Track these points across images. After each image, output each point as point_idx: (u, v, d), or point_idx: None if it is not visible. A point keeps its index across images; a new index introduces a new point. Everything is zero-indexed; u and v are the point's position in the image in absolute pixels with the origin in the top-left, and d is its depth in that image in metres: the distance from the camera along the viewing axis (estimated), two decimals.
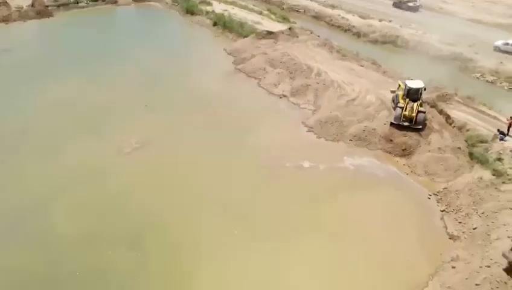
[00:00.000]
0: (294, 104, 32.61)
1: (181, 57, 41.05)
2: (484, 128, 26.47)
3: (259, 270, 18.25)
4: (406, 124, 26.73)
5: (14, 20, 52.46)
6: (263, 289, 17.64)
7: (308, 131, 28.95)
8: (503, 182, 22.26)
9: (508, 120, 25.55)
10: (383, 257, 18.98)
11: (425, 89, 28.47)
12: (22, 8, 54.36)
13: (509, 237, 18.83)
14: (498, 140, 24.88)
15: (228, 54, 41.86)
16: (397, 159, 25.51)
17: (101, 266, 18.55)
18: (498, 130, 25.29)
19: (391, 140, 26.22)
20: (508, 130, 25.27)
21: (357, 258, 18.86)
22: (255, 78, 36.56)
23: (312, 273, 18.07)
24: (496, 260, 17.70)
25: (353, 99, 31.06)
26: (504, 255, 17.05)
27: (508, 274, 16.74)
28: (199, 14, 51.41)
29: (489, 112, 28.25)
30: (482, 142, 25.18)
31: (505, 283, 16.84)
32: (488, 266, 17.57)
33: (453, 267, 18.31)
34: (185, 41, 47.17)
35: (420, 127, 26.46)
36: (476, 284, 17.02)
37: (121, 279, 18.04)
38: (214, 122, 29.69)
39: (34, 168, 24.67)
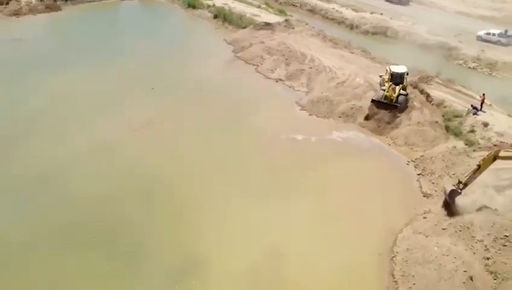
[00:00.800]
0: (289, 86, 35.36)
1: (184, 47, 43.79)
2: (460, 105, 29.24)
3: (256, 221, 20.85)
4: (385, 101, 29.23)
5: (25, 14, 54.99)
6: (259, 236, 20.22)
7: (301, 110, 31.69)
8: (474, 150, 24.99)
9: (480, 97, 28.32)
10: (364, 210, 21.66)
11: (407, 74, 30.88)
12: (31, 2, 57.08)
13: (473, 193, 21.58)
14: (471, 114, 27.60)
15: (228, 43, 44.58)
16: (379, 131, 28.21)
17: (118, 217, 21.19)
18: (471, 105, 28.04)
19: (374, 115, 28.88)
20: (481, 105, 28.02)
21: (341, 211, 21.52)
22: (253, 64, 39.28)
23: (302, 223, 20.72)
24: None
25: (343, 82, 33.78)
26: (444, 190, 20.23)
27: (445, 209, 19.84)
28: (200, 8, 54.13)
29: (466, 91, 31.00)
30: (457, 116, 27.95)
31: (468, 227, 19.54)
32: (454, 215, 20.30)
33: (425, 218, 21.05)
34: (187, 32, 49.86)
35: (398, 104, 28.84)
36: (443, 229, 19.74)
37: (135, 228, 20.68)
38: (215, 103, 32.31)
39: (52, 144, 27.21)
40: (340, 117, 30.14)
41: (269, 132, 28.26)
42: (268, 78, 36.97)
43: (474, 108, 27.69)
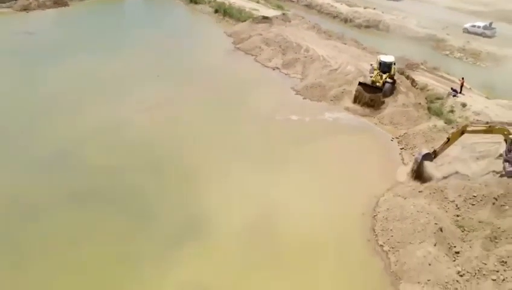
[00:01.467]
0: (285, 74, 37.88)
1: (186, 39, 46.30)
2: (442, 88, 31.70)
3: (253, 185, 23.33)
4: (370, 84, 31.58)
5: (34, 9, 57.60)
6: (256, 198, 22.65)
7: (296, 94, 34.20)
8: (452, 128, 27.42)
9: (459, 80, 30.81)
10: (351, 178, 24.14)
11: (395, 64, 33.26)
12: None
13: (449, 163, 24.10)
14: (451, 96, 30.09)
15: (228, 36, 47.10)
16: (367, 112, 30.72)
17: (129, 183, 23.66)
18: (451, 88, 30.52)
19: (362, 98, 31.38)
20: (461, 88, 30.50)
21: (330, 178, 24.02)
22: (252, 54, 41.81)
23: (295, 187, 23.17)
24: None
25: (335, 69, 36.26)
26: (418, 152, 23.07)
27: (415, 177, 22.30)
28: (201, 3, 56.68)
29: (448, 77, 33.50)
30: (438, 98, 30.45)
31: (441, 191, 22.02)
32: (430, 180, 22.80)
33: (404, 184, 23.53)
34: (189, 26, 52.43)
35: (382, 88, 31.26)
36: (419, 191, 22.24)
37: (144, 192, 23.14)
38: (216, 89, 34.84)
39: (69, 122, 29.71)
40: (331, 100, 32.65)
41: (266, 113, 30.78)
42: (266, 66, 39.50)
43: (454, 90, 30.16)
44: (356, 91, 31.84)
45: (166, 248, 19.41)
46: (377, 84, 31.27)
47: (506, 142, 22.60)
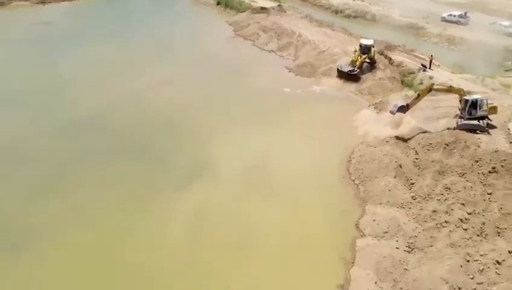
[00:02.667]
0: (280, 56, 42.85)
1: (191, 27, 51.39)
2: (414, 65, 36.64)
3: (251, 140, 28.20)
4: (347, 70, 36.27)
5: (49, 2, 62.72)
6: (253, 150, 27.45)
7: (289, 72, 39.19)
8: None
9: (428, 57, 35.77)
10: (333, 134, 28.99)
11: (373, 46, 38.06)
12: None
13: (417, 121, 29.00)
14: (421, 71, 35.03)
15: (229, 24, 52.09)
16: (349, 85, 35.69)
17: (147, 139, 28.52)
18: (422, 64, 35.47)
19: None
20: (430, 64, 35.46)
21: (315, 135, 28.80)
22: (250, 40, 46.80)
23: (285, 141, 28.05)
24: None
25: (323, 51, 41.20)
26: (391, 110, 27.78)
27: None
28: None
29: (421, 56, 38.39)
30: (410, 73, 35.40)
31: (405, 141, 26.92)
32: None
33: (375, 137, 28.43)
34: (193, 16, 57.38)
35: (356, 72, 36.05)
36: (386, 141, 27.11)
37: (160, 145, 27.99)
38: (219, 68, 39.79)
39: (93, 94, 34.55)
40: (319, 76, 37.56)
41: (263, 86, 35.72)
42: (263, 50, 44.50)
43: (424, 66, 35.13)
44: (337, 72, 36.72)
45: (180, 183, 24.20)
46: (353, 67, 35.92)
47: (460, 102, 27.63)
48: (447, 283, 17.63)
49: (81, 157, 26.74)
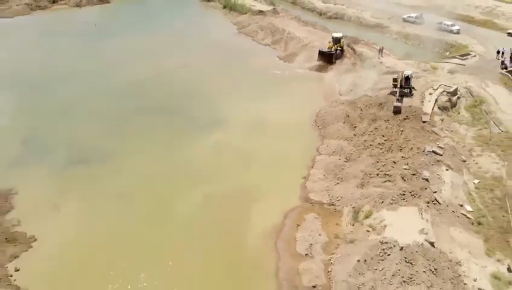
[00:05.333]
0: (273, 48, 56.11)
1: (203, 25, 64.50)
2: (372, 54, 49.76)
3: (251, 105, 41.19)
4: (326, 51, 49.55)
5: (84, 6, 75.96)
6: (253, 110, 40.32)
7: (280, 60, 52.44)
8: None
9: (380, 48, 48.88)
10: (308, 101, 42.00)
11: (342, 38, 51.13)
12: None
13: (364, 90, 42.05)
14: (377, 58, 48.19)
15: (234, 24, 65.36)
16: (323, 69, 48.89)
17: (173, 104, 41.60)
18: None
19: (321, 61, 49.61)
20: (381, 53, 48.52)
21: (296, 101, 41.88)
22: (250, 36, 60.07)
23: (276, 107, 40.87)
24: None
25: (306, 44, 54.36)
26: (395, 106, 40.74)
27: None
28: (213, 1, 74.80)
29: (377, 47, 51.43)
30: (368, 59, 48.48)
31: (355, 103, 40.00)
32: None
33: (336, 102, 41.52)
34: (204, 17, 70.67)
35: (333, 53, 49.27)
36: (342, 103, 40.22)
37: (186, 108, 41.05)
38: (226, 57, 52.98)
39: (129, 73, 47.64)
40: (302, 62, 50.77)
41: (259, 69, 48.90)
42: (260, 44, 57.77)
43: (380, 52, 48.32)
44: (318, 56, 49.96)
45: (203, 129, 37.12)
46: (330, 50, 49.31)
47: (394, 80, 40.37)
48: (363, 172, 30.71)
49: (130, 112, 39.65)
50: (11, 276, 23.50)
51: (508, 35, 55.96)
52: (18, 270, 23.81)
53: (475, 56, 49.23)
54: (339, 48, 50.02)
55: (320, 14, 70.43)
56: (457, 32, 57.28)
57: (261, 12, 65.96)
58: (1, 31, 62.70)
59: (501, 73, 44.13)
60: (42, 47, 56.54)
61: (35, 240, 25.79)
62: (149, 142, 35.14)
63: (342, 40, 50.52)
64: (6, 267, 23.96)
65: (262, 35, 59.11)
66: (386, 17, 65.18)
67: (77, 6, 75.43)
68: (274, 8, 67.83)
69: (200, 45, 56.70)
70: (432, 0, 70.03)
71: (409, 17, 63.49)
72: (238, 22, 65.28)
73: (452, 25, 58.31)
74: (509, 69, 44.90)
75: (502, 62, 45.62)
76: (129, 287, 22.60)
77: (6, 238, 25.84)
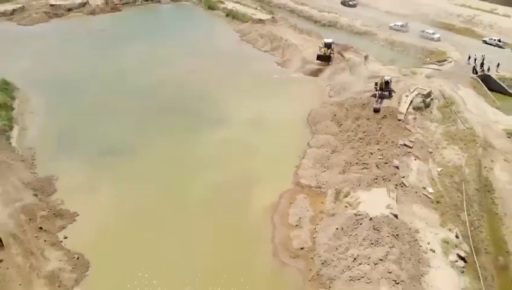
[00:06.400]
0: (272, 55, 62.35)
1: (208, 32, 70.82)
2: (358, 60, 55.90)
3: (253, 103, 47.29)
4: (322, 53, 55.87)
5: (98, 13, 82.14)
6: (253, 109, 46.41)
7: (278, 65, 58.70)
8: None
9: (365, 55, 55.01)
10: (302, 101, 48.13)
11: (333, 43, 57.35)
12: (98, 5, 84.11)
13: (351, 93, 48.23)
14: (362, 64, 54.34)
15: (236, 32, 71.56)
16: (315, 74, 55.08)
17: (187, 105, 47.80)
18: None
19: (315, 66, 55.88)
20: (366, 59, 54.64)
21: (292, 101, 48.03)
22: (251, 43, 66.31)
23: (274, 104, 47.01)
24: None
25: (301, 51, 60.55)
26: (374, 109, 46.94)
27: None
28: (216, 9, 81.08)
29: (363, 53, 57.56)
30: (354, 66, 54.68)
31: (342, 104, 46.17)
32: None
33: (325, 102, 47.67)
34: (208, 25, 76.93)
35: (329, 55, 55.49)
36: (331, 104, 46.43)
37: (196, 108, 47.20)
38: (229, 62, 59.21)
39: (142, 77, 53.85)
40: (298, 67, 56.99)
41: (259, 73, 55.13)
42: (260, 50, 64.04)
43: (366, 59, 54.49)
44: (317, 59, 56.22)
45: (211, 127, 43.23)
46: (325, 54, 55.57)
47: (376, 84, 46.38)
48: (345, 161, 36.83)
49: (146, 111, 46.08)
50: (61, 242, 29.68)
51: (483, 43, 61.97)
52: (66, 237, 30.08)
53: (451, 62, 55.40)
54: (331, 53, 56.21)
55: (316, 22, 76.49)
56: (438, 40, 63.37)
57: (261, 20, 72.11)
58: (25, 38, 68.89)
59: (472, 77, 50.41)
60: (64, 53, 62.81)
61: (77, 215, 32.04)
62: (166, 137, 41.35)
63: (333, 45, 56.71)
64: (57, 236, 30.17)
65: (262, 42, 65.32)
66: (375, 25, 71.22)
67: (91, 14, 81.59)
68: (273, 17, 73.98)
69: (206, 52, 62.92)
70: (418, 9, 76.08)
71: (395, 25, 69.53)
72: (240, 29, 71.47)
73: (433, 33, 64.36)
74: (479, 74, 51.25)
75: (474, 68, 51.86)
76: (153, 250, 28.74)
77: (54, 214, 32.05)
